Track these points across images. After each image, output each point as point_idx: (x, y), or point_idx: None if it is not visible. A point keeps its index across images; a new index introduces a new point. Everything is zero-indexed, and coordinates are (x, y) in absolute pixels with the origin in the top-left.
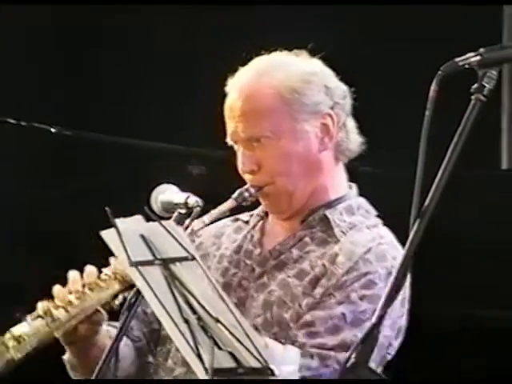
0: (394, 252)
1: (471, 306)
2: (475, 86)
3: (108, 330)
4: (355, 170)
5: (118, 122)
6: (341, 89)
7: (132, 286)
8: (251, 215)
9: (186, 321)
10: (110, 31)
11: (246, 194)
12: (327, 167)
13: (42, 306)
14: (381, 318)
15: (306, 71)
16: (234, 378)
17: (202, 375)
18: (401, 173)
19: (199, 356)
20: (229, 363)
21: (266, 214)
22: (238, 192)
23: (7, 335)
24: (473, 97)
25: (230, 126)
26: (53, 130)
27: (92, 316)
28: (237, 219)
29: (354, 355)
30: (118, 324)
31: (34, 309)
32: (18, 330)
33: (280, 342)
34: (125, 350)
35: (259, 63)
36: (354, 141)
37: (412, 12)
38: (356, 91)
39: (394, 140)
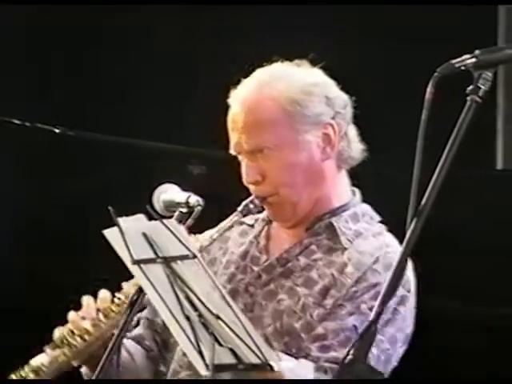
0: (407, 260)
1: (468, 304)
2: (471, 87)
3: (124, 344)
4: (355, 172)
5: (118, 121)
6: (341, 98)
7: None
8: (256, 219)
9: (188, 318)
10: (110, 31)
11: (251, 206)
12: (330, 176)
13: (59, 335)
14: (379, 315)
15: (307, 82)
16: (233, 379)
17: (202, 371)
18: (398, 173)
19: (200, 352)
20: (229, 359)
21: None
22: (243, 204)
23: (26, 368)
24: (468, 98)
25: (233, 137)
26: (57, 130)
27: (108, 341)
28: (242, 223)
29: (352, 352)
30: (129, 333)
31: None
32: (37, 361)
33: (291, 351)
34: (141, 360)
35: (260, 75)
36: (356, 149)
37: (409, 12)
38: (356, 91)
39: (393, 140)
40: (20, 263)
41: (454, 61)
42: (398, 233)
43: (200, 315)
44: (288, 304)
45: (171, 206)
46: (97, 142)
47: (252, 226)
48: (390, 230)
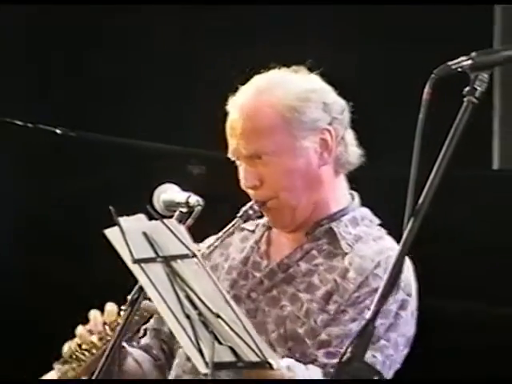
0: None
1: (465, 304)
2: (467, 88)
3: (131, 353)
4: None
5: (118, 122)
6: (339, 104)
7: (150, 318)
8: (257, 225)
9: (188, 316)
10: (110, 31)
11: (251, 212)
12: (328, 181)
13: (67, 350)
14: (376, 314)
15: (304, 89)
16: (233, 379)
17: (202, 369)
18: (398, 173)
19: (200, 350)
20: (229, 357)
21: None
22: (242, 210)
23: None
24: (465, 99)
25: (232, 143)
26: (58, 131)
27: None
28: (242, 229)
29: (349, 350)
30: (135, 343)
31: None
32: (48, 379)
33: (295, 356)
34: (149, 368)
35: (258, 82)
36: (353, 153)
37: (405, 12)
38: (355, 92)
39: (392, 140)
40: (20, 263)
41: (450, 62)
42: (397, 235)
43: (200, 314)
44: (291, 310)
45: (171, 206)
46: (97, 142)
47: (253, 231)
48: (390, 233)
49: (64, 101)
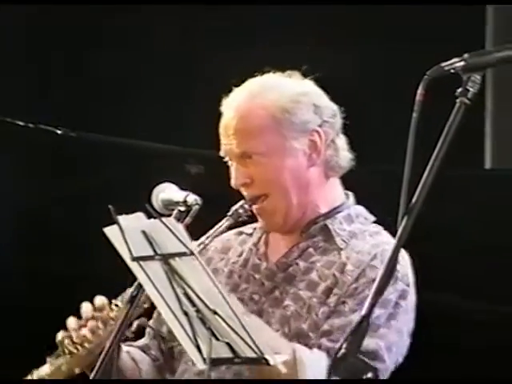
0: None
1: (459, 302)
2: (460, 89)
3: (129, 352)
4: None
5: (118, 121)
6: (330, 108)
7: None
8: (254, 228)
9: (186, 313)
10: (110, 31)
11: (241, 211)
12: (317, 183)
13: (60, 344)
14: (371, 310)
15: (296, 91)
16: (233, 379)
17: (200, 365)
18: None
19: (198, 346)
20: (226, 353)
21: None
22: (233, 209)
23: (30, 378)
24: (457, 100)
25: (224, 142)
26: (58, 131)
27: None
28: (241, 232)
29: (344, 346)
30: (135, 343)
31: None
32: (41, 372)
33: None
34: (146, 368)
35: (252, 85)
36: (344, 157)
37: (399, 12)
38: (354, 91)
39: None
40: (21, 262)
41: (443, 64)
42: (392, 233)
43: (198, 310)
44: (294, 309)
45: (170, 205)
46: (97, 142)
47: (250, 234)
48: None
49: (64, 101)
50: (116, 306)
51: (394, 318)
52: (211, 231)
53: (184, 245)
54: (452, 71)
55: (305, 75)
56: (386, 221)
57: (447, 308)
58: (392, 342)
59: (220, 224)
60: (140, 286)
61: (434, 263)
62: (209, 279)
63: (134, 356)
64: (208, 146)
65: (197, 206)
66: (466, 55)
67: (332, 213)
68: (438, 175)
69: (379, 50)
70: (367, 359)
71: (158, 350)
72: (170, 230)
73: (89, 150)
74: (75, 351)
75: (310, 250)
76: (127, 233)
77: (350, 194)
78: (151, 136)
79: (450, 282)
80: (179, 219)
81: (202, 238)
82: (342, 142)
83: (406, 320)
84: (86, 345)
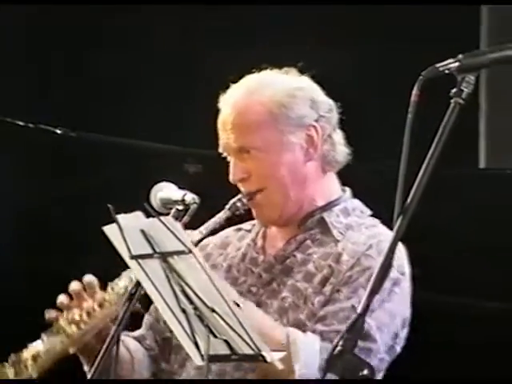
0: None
1: (451, 300)
2: (454, 90)
3: (123, 341)
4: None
5: (118, 121)
6: (327, 103)
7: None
8: (253, 224)
9: (184, 310)
10: (110, 31)
11: (239, 204)
12: (314, 177)
13: (54, 323)
14: (366, 308)
15: (292, 87)
16: (233, 379)
17: (198, 361)
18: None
19: (196, 343)
20: (223, 350)
21: None
22: (231, 202)
23: (24, 354)
24: (452, 100)
25: (223, 137)
26: (58, 131)
27: (102, 331)
28: (240, 229)
29: (340, 343)
30: (130, 333)
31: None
32: (34, 348)
33: None
34: (140, 357)
35: (250, 81)
36: (341, 152)
37: (395, 12)
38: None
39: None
40: (21, 262)
41: (438, 65)
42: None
43: (195, 308)
44: (292, 300)
45: (168, 204)
46: (97, 142)
47: (249, 231)
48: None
49: (64, 101)
50: (112, 289)
51: (387, 301)
52: (209, 222)
53: (182, 243)
54: (447, 72)
55: (301, 72)
56: (383, 217)
57: (442, 306)
58: (383, 323)
59: (218, 216)
60: (139, 283)
61: (428, 262)
62: (207, 277)
63: (128, 345)
64: (206, 145)
65: (195, 205)
66: (460, 56)
67: (329, 206)
68: (432, 174)
69: (379, 50)
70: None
71: (153, 341)
72: (169, 228)
73: (88, 149)
74: (70, 332)
75: (308, 242)
76: (126, 231)
77: (347, 188)
78: (150, 136)
79: (443, 281)
80: (177, 218)
81: (200, 228)
82: (338, 136)
83: (400, 306)
84: (82, 326)
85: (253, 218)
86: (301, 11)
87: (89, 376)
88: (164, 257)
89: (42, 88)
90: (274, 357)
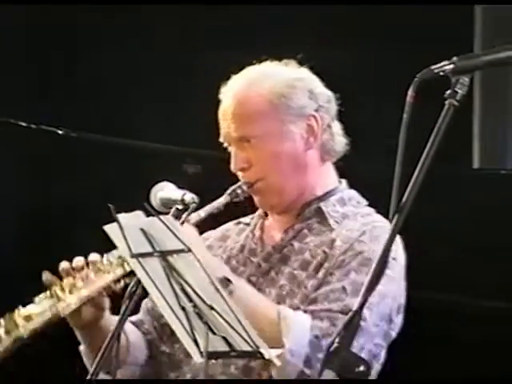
0: (387, 234)
1: (443, 297)
2: (449, 91)
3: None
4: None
5: (118, 122)
6: (325, 94)
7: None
8: (252, 218)
9: (183, 308)
10: (110, 31)
11: (239, 191)
12: (313, 166)
13: (48, 287)
14: (362, 305)
15: (292, 77)
16: (233, 379)
17: (197, 358)
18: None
19: (195, 340)
20: (222, 347)
21: (266, 213)
22: (231, 188)
23: (16, 313)
24: (446, 102)
25: (224, 127)
26: (60, 132)
27: (96, 299)
28: (239, 222)
29: (337, 340)
30: (130, 317)
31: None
32: (27, 309)
33: None
34: (135, 340)
35: (250, 73)
36: (339, 142)
37: (388, 12)
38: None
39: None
40: (23, 262)
41: (433, 67)
42: None
43: (195, 306)
44: (289, 288)
45: (168, 203)
46: (97, 142)
47: (248, 224)
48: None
49: (64, 101)
50: (108, 260)
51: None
52: (208, 206)
53: (181, 242)
54: (441, 74)
55: (301, 63)
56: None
57: (436, 305)
58: (371, 302)
59: (217, 201)
60: (139, 281)
61: (422, 262)
62: (205, 275)
63: (124, 328)
64: (205, 146)
65: (194, 205)
66: (454, 58)
67: (326, 196)
68: (427, 174)
69: (378, 50)
70: (346, 314)
71: (151, 326)
72: (168, 227)
73: (88, 149)
74: (63, 297)
75: (305, 231)
76: (127, 230)
77: (343, 180)
78: (150, 136)
79: (436, 279)
80: (177, 217)
81: (199, 211)
82: (337, 127)
83: (391, 288)
84: (75, 291)
85: (252, 206)
86: (301, 11)
87: (90, 373)
88: (164, 255)
89: (42, 88)
90: (271, 353)
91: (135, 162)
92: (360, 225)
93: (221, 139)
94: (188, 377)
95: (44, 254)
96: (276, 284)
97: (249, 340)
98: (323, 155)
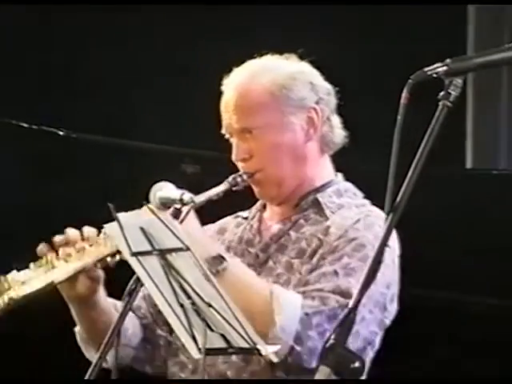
0: (381, 222)
1: (437, 295)
2: (442, 93)
3: (115, 304)
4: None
5: (117, 122)
6: (325, 87)
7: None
8: (250, 212)
9: (181, 305)
10: (110, 31)
11: (239, 179)
12: (312, 157)
13: (44, 256)
14: (358, 303)
15: (293, 70)
16: (233, 379)
17: (195, 354)
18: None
19: (193, 337)
20: (220, 343)
21: (264, 206)
22: (231, 176)
23: (9, 277)
24: (440, 103)
25: (225, 118)
26: (60, 132)
27: (89, 271)
28: (237, 216)
29: (332, 337)
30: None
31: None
32: (21, 274)
33: None
34: (128, 322)
35: (252, 66)
36: (338, 135)
37: (388, 12)
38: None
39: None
40: (23, 262)
41: (426, 68)
42: None
43: (193, 303)
44: (286, 277)
45: (167, 203)
46: (98, 143)
47: (246, 218)
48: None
49: (64, 101)
50: (104, 234)
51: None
52: (207, 192)
53: (180, 240)
54: (435, 76)
55: (301, 58)
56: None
57: (428, 303)
58: None
59: (217, 187)
60: (138, 280)
61: (416, 261)
62: (203, 273)
63: (118, 308)
64: (204, 146)
65: (192, 204)
66: (448, 60)
67: (323, 187)
68: (421, 174)
69: (378, 50)
70: (337, 293)
71: (147, 311)
72: (167, 226)
73: (89, 150)
74: (58, 265)
75: (301, 221)
76: (126, 229)
77: (339, 173)
78: (149, 136)
79: (430, 278)
80: (175, 216)
81: (199, 196)
82: (336, 120)
83: (386, 274)
84: (69, 260)
85: (252, 196)
86: (301, 11)
87: (89, 372)
88: (163, 253)
89: (42, 88)
90: (268, 350)
91: (135, 163)
92: (354, 213)
93: (222, 130)
94: (189, 367)
95: None
96: (273, 273)
97: (246, 337)
98: (322, 147)
